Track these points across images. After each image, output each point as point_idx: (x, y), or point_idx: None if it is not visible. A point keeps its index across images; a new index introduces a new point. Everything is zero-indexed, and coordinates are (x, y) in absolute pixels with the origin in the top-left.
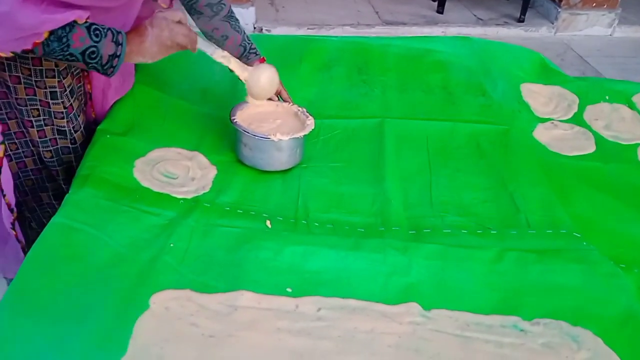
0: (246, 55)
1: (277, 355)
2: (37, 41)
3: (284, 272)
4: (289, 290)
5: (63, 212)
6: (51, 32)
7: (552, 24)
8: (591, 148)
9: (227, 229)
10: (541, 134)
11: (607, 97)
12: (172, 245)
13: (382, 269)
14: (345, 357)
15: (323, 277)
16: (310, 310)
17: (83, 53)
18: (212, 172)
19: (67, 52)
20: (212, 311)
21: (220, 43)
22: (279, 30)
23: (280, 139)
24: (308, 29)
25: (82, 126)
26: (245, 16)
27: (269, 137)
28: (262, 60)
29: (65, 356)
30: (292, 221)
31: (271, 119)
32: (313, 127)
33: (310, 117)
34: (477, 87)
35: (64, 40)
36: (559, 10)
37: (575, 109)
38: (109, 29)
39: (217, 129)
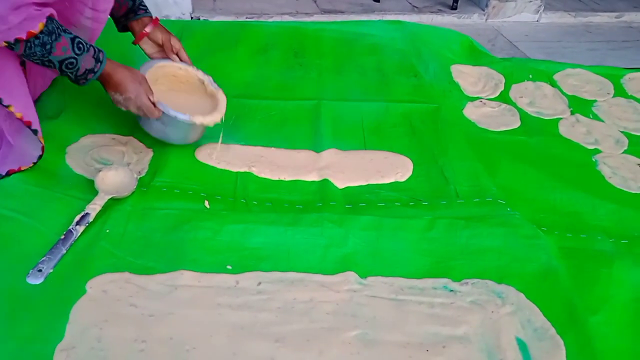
0: (134, 10)
1: (218, 330)
2: (31, 31)
3: (224, 251)
4: (229, 267)
5: None
6: (36, 37)
7: (483, 11)
8: (516, 123)
9: (165, 211)
10: (470, 111)
11: (530, 76)
12: (107, 231)
13: (320, 242)
14: (285, 326)
15: (263, 253)
16: (250, 285)
17: (61, 62)
18: (148, 155)
19: (46, 59)
20: (151, 291)
21: None
22: (217, 19)
23: (202, 123)
24: (246, 17)
25: None
26: (182, 5)
27: (190, 119)
28: (156, 22)
29: None
30: (230, 200)
31: (180, 90)
32: (225, 103)
33: (220, 90)
34: (409, 68)
35: (48, 47)
36: None
37: (501, 88)
38: (91, 45)
39: None
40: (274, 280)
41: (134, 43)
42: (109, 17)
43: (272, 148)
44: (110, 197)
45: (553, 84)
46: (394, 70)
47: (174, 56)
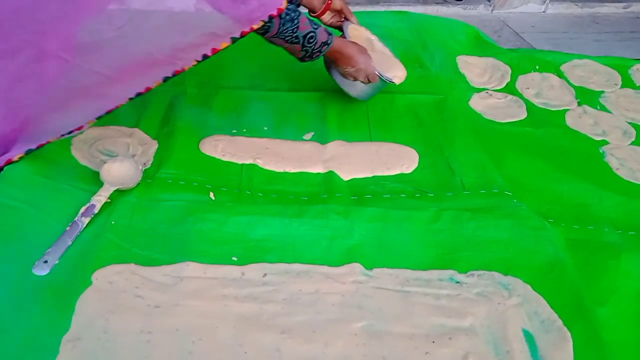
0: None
1: (224, 321)
2: (280, 7)
3: (229, 242)
4: (234, 259)
5: None
6: (286, 13)
7: (489, 1)
8: (523, 115)
9: (170, 203)
10: (476, 102)
11: (537, 67)
12: (113, 222)
13: (325, 233)
14: (291, 318)
15: (268, 245)
16: (256, 277)
17: (305, 36)
18: (153, 147)
19: (294, 34)
20: (157, 283)
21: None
22: None
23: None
24: None
25: None
26: None
27: (392, 79)
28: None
29: (4, 339)
30: (236, 191)
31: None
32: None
33: (386, 47)
34: (415, 59)
35: (295, 22)
36: None
37: (508, 79)
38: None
39: (157, 102)
40: (279, 272)
41: (317, 17)
42: None
43: (277, 140)
44: (115, 188)
45: (560, 75)
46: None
47: (352, 18)
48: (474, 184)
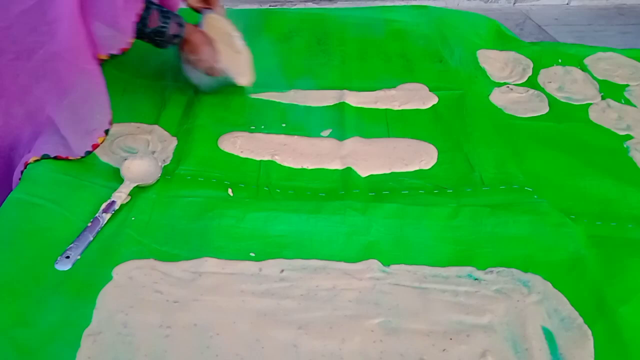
0: None
1: (242, 316)
2: (138, 12)
3: (247, 238)
4: (252, 254)
5: (22, 187)
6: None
7: None
8: (545, 109)
9: (189, 199)
10: (497, 97)
11: (559, 61)
12: (133, 218)
13: (342, 230)
14: (308, 313)
15: (285, 241)
16: (273, 273)
17: (153, 32)
18: (173, 143)
19: (143, 31)
20: (176, 278)
21: None
22: (240, 7)
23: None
24: (270, 5)
25: None
26: None
27: (234, 78)
28: None
29: (28, 333)
30: (253, 188)
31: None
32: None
33: (245, 49)
34: (434, 54)
35: (145, 21)
36: None
37: (529, 73)
38: (170, 11)
39: (176, 100)
40: (296, 268)
41: None
42: None
43: (295, 136)
44: (135, 185)
45: (583, 69)
46: (419, 55)
47: (218, 8)
48: (493, 179)
